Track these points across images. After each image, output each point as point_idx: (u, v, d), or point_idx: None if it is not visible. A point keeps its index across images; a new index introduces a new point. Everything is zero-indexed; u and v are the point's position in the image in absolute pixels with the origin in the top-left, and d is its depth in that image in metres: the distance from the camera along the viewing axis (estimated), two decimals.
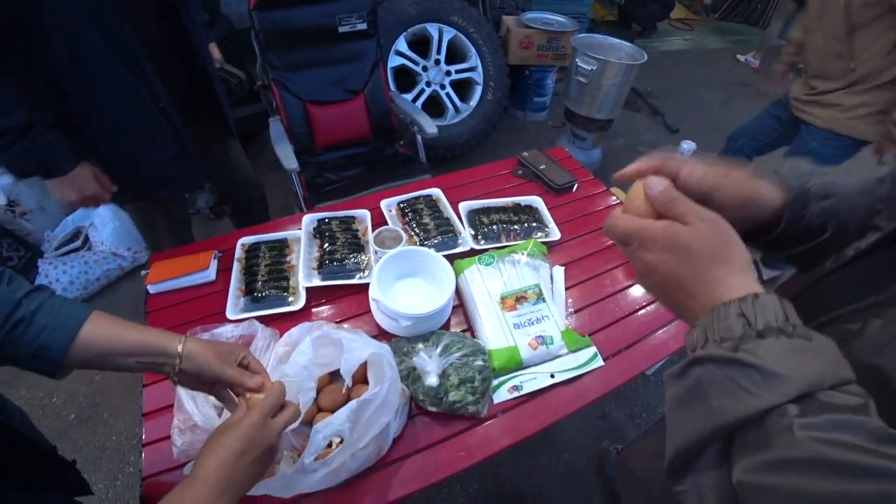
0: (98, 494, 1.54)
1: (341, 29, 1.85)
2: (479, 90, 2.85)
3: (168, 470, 0.85)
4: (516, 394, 0.97)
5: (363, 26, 1.88)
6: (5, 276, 0.59)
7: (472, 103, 2.86)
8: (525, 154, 1.55)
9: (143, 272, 1.17)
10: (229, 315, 1.05)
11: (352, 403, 0.74)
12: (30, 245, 2.08)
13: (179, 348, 0.64)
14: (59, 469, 0.74)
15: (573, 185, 1.50)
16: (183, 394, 0.86)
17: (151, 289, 1.12)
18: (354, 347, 0.81)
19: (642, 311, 1.16)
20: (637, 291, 1.21)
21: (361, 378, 0.91)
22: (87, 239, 2.06)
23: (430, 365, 0.87)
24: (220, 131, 1.53)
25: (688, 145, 2.23)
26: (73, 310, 0.60)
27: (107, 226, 2.07)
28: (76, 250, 2.03)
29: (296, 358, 0.79)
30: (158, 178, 1.32)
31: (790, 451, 0.30)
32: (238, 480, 0.56)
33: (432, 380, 0.86)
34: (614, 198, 1.51)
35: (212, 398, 0.88)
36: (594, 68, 2.43)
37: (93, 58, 1.05)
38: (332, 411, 0.89)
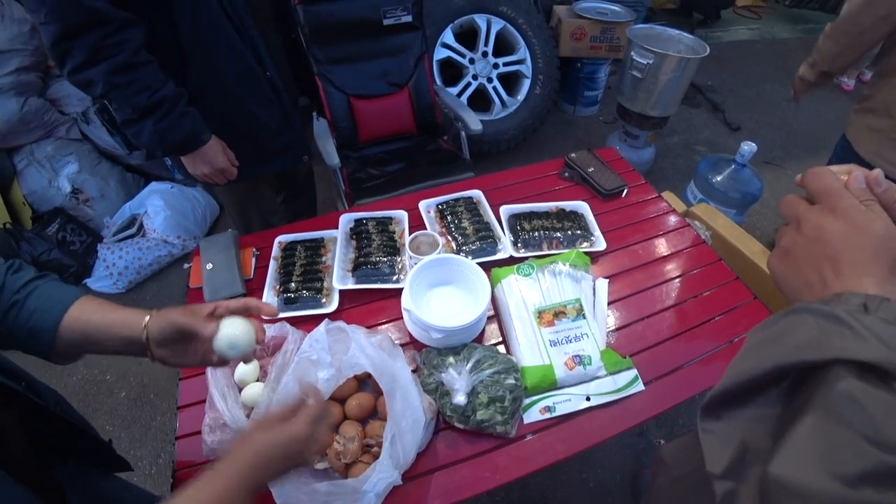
0: (142, 470, 1.62)
1: (386, 21, 1.81)
2: (527, 84, 2.76)
3: (200, 464, 0.87)
4: (548, 415, 0.92)
5: (408, 18, 1.84)
6: (14, 265, 0.61)
7: (519, 97, 2.77)
8: (572, 155, 1.48)
9: (186, 265, 1.19)
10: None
11: (385, 449, 0.74)
12: (91, 230, 2.21)
13: (146, 318, 0.62)
14: (97, 447, 0.76)
15: (623, 191, 1.42)
16: (214, 392, 0.87)
17: (194, 284, 1.14)
18: (357, 356, 0.80)
19: (689, 332, 1.08)
20: (685, 311, 1.12)
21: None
22: (141, 226, 2.16)
23: (458, 383, 0.84)
24: (311, 108, 1.60)
25: (748, 147, 2.07)
26: (61, 293, 0.61)
27: (159, 214, 2.15)
28: (132, 237, 2.13)
29: (312, 337, 0.82)
30: (268, 150, 1.37)
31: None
32: (262, 481, 0.57)
33: (460, 398, 0.83)
34: (665, 204, 1.41)
35: (241, 397, 0.89)
36: (650, 62, 2.28)
37: (212, 24, 1.10)
38: (360, 420, 0.89)
